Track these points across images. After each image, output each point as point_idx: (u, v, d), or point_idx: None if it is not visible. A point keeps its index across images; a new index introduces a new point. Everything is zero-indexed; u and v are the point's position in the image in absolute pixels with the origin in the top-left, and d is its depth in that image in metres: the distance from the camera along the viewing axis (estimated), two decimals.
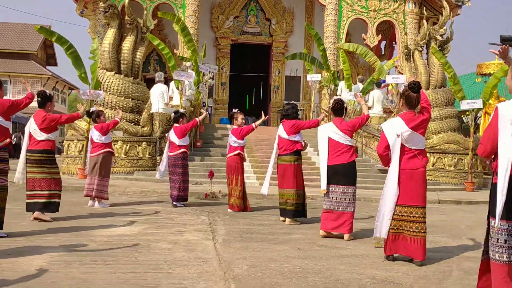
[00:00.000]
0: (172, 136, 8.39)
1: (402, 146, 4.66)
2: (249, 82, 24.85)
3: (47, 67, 48.16)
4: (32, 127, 6.44)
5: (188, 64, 15.42)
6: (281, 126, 7.08)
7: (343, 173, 5.86)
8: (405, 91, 4.68)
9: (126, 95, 13.82)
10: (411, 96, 4.67)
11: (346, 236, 5.81)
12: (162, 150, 13.46)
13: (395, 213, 4.65)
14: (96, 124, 8.16)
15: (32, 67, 44.29)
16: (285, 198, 6.96)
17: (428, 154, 13.91)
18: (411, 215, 4.63)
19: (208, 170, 13.18)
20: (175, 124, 8.53)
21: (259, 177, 12.74)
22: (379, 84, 15.25)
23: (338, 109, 6.06)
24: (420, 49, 15.43)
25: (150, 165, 13.13)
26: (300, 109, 21.66)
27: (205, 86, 15.62)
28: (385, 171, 5.26)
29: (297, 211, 6.99)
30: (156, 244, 5.17)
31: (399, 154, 4.59)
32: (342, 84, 16.96)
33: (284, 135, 7.00)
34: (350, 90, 15.63)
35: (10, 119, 5.35)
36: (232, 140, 8.03)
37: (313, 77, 17.85)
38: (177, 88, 14.21)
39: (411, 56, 15.58)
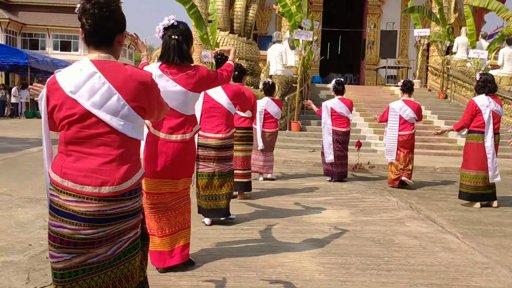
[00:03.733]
0: (343, 109, 7.72)
1: None
2: (325, 36, 23.66)
3: None
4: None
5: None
6: (490, 99, 6.21)
7: None
8: None
9: (240, 56, 13.27)
10: None
11: None
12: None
13: None
14: (272, 97, 7.67)
15: None
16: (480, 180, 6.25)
17: None
18: None
19: None
20: (340, 96, 7.83)
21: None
22: (509, 41, 13.91)
23: None
24: None
25: None
26: (398, 67, 20.52)
27: (316, 45, 14.83)
28: None
29: None
30: (396, 238, 4.69)
31: None
32: (459, 41, 15.71)
33: (501, 110, 6.21)
34: (474, 47, 14.41)
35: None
36: (412, 117, 7.31)
37: (421, 32, 16.65)
38: (292, 48, 13.52)
39: None
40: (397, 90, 16.99)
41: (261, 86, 7.79)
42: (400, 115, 7.39)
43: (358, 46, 22.90)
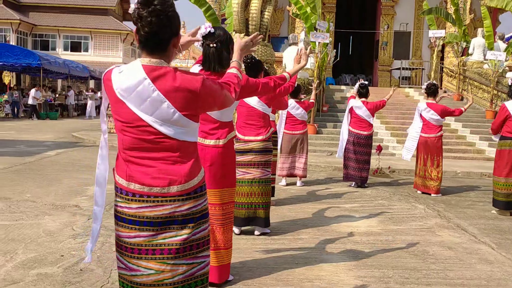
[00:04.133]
0: (364, 113, 7.64)
1: None
2: (336, 37, 23.50)
3: (124, 22, 48.41)
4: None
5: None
6: None
7: None
8: None
9: None
10: None
11: None
12: None
13: None
14: (298, 100, 7.60)
15: (111, 22, 44.67)
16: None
17: None
18: None
19: None
20: (363, 99, 7.76)
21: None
22: None
23: None
24: None
25: None
26: (412, 68, 20.34)
27: (331, 47, 14.71)
28: None
29: None
30: (430, 248, 4.60)
31: None
32: (476, 42, 15.55)
33: None
34: (491, 49, 14.26)
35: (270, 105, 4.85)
36: (435, 119, 7.22)
37: (436, 33, 16.51)
38: (312, 49, 13.40)
39: None
40: (412, 92, 16.88)
41: None
42: (423, 116, 7.32)
43: (370, 46, 22.75)
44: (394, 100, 15.78)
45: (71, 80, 30.19)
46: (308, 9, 13.96)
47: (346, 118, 7.83)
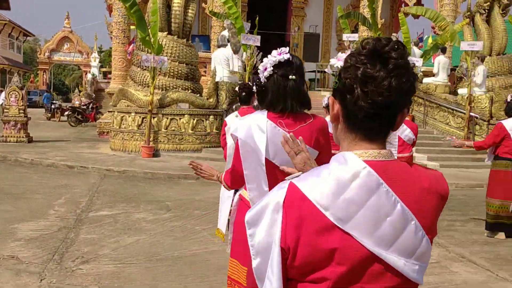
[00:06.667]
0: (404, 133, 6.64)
1: None
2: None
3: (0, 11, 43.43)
4: None
5: (227, 22, 13.67)
6: None
7: None
8: None
9: (180, 60, 12.15)
10: None
11: None
12: None
13: None
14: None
15: None
16: None
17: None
18: None
19: None
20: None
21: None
22: (444, 49, 14.32)
23: None
24: (483, 11, 14.57)
25: (217, 141, 11.73)
26: (319, 71, 20.51)
27: (256, 49, 14.07)
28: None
29: None
30: None
31: None
32: None
33: None
34: (409, 55, 14.64)
35: None
36: None
37: (350, 37, 16.76)
38: (236, 52, 12.65)
39: (472, 20, 14.73)
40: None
41: None
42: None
43: (279, 47, 22.60)
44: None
45: None
46: (226, 8, 13.18)
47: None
